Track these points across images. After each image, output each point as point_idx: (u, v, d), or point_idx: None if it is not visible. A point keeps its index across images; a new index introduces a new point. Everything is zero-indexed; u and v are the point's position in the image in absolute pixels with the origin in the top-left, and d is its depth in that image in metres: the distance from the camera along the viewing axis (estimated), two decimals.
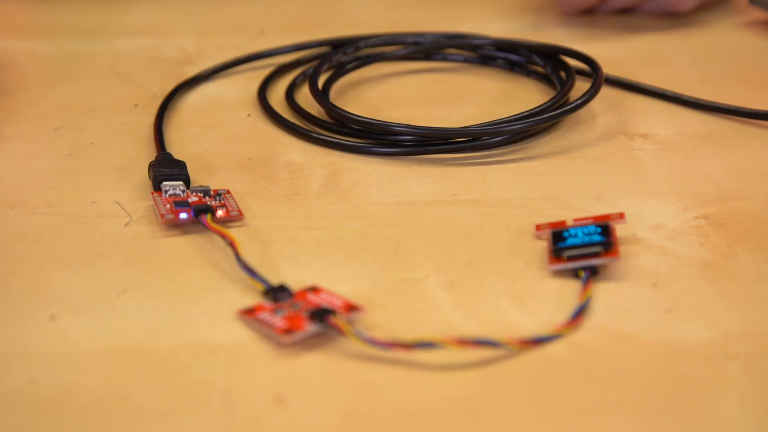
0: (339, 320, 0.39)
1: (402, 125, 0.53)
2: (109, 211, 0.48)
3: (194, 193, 0.48)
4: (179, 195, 0.48)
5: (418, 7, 0.73)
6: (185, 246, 0.45)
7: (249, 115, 0.58)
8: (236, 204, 0.48)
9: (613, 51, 0.66)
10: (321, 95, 0.57)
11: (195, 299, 0.42)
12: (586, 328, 0.40)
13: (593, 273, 0.43)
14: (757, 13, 0.71)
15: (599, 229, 0.44)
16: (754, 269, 0.44)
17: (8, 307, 0.42)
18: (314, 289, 0.42)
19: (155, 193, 0.48)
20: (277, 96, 0.60)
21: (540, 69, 0.62)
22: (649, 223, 0.47)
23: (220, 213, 0.47)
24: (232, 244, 0.44)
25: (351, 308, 0.40)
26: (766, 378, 0.38)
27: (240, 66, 0.64)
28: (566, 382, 0.38)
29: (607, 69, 0.60)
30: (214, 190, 0.49)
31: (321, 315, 0.40)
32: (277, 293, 0.41)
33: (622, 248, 0.45)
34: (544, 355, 0.39)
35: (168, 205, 0.47)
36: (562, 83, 0.59)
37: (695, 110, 0.58)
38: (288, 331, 0.39)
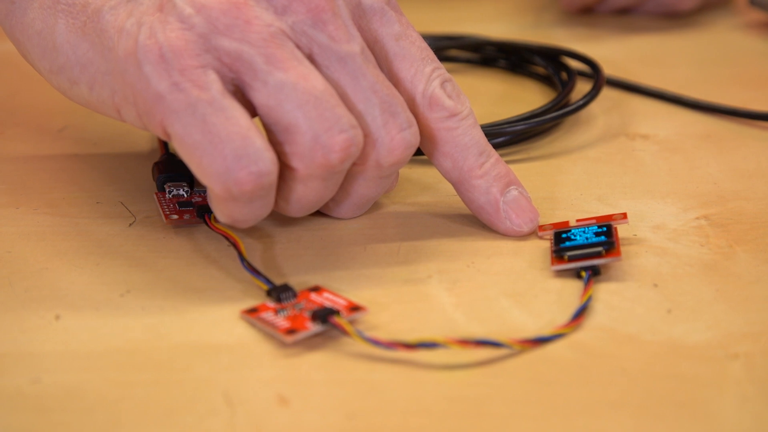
0: (341, 320, 0.39)
1: None
2: (113, 211, 0.48)
3: (198, 194, 0.48)
4: (183, 195, 0.48)
5: (419, 9, 0.73)
6: (189, 246, 0.46)
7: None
8: None
9: (613, 52, 0.66)
10: None
11: (198, 299, 0.42)
12: (587, 328, 0.40)
13: (595, 273, 0.43)
14: (757, 14, 0.71)
15: (602, 229, 0.44)
16: (754, 269, 0.44)
17: (12, 306, 0.42)
18: (317, 289, 0.42)
19: (159, 194, 0.48)
20: None
21: (541, 70, 0.62)
22: (650, 223, 0.47)
23: None
24: (235, 245, 0.44)
25: (353, 308, 0.41)
26: (767, 378, 0.38)
27: None
28: (567, 381, 0.38)
29: (608, 70, 0.60)
30: None
31: (324, 315, 0.40)
32: (280, 293, 0.41)
33: (623, 248, 0.45)
34: (546, 355, 0.39)
35: (172, 206, 0.47)
36: (563, 84, 0.59)
37: (695, 111, 0.58)
38: (291, 331, 0.39)
